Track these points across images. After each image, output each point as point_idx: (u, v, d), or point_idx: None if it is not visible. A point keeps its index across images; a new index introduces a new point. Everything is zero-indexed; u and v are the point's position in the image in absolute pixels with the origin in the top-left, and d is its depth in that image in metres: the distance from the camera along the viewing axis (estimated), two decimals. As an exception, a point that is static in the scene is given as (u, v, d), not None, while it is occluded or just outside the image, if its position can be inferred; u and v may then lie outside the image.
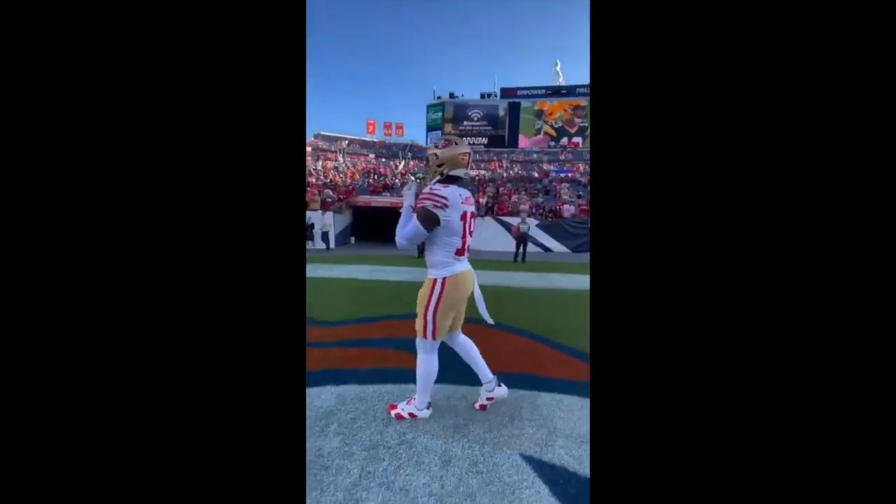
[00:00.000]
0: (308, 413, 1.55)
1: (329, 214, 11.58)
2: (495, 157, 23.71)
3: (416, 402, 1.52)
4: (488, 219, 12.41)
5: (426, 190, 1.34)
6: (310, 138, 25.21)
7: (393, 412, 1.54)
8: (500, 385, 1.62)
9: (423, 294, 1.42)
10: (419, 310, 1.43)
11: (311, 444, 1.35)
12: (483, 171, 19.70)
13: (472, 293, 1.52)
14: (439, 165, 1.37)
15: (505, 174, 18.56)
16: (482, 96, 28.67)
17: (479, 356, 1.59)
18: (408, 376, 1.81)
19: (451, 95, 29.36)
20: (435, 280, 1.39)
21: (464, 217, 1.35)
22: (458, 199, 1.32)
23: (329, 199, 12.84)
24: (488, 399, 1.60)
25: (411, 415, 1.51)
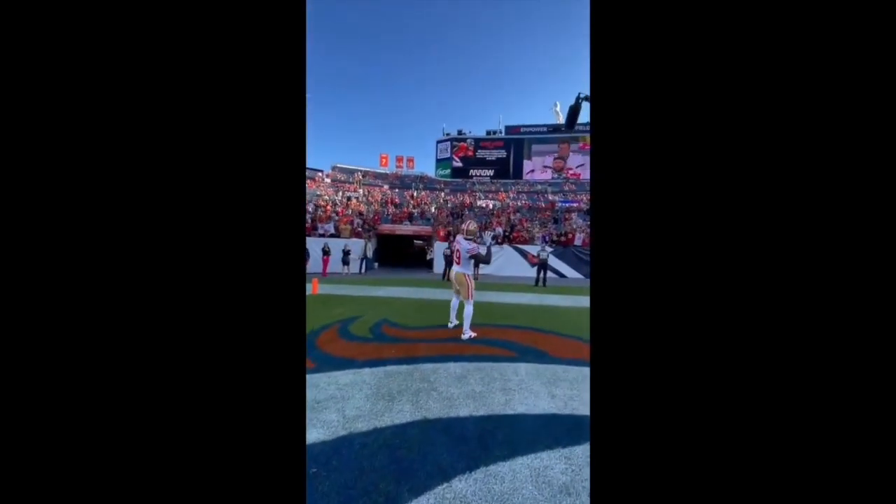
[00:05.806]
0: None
1: (366, 242, 12.72)
2: (502, 188, 25.35)
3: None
4: (507, 247, 13.25)
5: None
6: (328, 170, 27.01)
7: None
8: (458, 327, 3.57)
9: None
10: None
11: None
12: (491, 202, 21.13)
13: (454, 281, 3.59)
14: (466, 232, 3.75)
15: (513, 204, 19.96)
16: (487, 133, 30.99)
17: (456, 310, 3.69)
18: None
19: (460, 132, 31.71)
20: None
21: (453, 251, 3.61)
22: (455, 244, 3.59)
23: (360, 229, 14.01)
24: (454, 326, 3.74)
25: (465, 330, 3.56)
